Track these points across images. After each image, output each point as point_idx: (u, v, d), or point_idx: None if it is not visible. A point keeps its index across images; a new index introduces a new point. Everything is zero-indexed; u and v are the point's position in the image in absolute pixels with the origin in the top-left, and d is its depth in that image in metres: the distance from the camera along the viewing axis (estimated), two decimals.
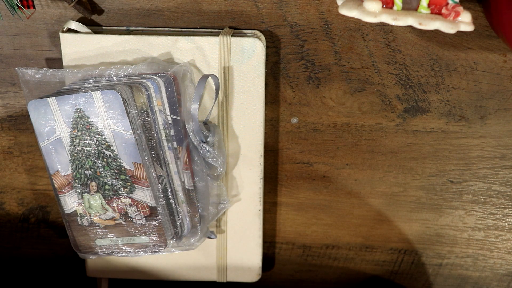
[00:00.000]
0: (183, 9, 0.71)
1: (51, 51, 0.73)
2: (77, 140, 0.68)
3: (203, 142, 0.71)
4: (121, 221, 0.71)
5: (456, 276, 0.85)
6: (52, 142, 0.69)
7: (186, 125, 0.70)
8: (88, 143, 0.68)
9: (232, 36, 0.70)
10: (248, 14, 0.71)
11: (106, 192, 0.70)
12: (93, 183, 0.70)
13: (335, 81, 0.74)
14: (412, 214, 0.81)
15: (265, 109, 0.75)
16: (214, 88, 0.71)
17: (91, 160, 0.69)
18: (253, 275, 0.81)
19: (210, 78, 0.70)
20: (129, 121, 0.66)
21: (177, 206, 0.71)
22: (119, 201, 0.70)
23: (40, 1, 0.71)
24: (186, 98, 0.70)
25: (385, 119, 0.76)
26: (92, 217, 0.71)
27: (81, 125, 0.67)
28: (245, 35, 0.71)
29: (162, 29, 0.72)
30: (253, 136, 0.74)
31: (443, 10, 0.61)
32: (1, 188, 0.81)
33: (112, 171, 0.69)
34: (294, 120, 0.76)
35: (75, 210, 0.71)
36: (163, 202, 0.70)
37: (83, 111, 0.67)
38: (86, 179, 0.69)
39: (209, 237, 0.76)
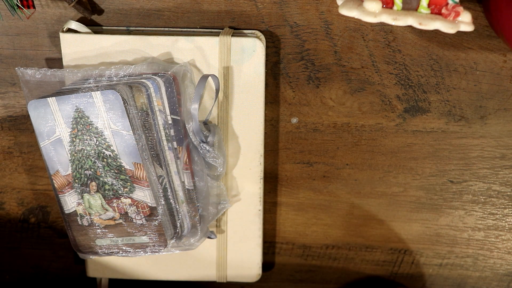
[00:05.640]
0: (183, 9, 0.71)
1: (51, 51, 0.73)
2: (77, 140, 0.68)
3: (203, 142, 0.71)
4: (121, 221, 0.71)
5: (456, 276, 0.85)
6: (52, 142, 0.69)
7: (186, 125, 0.70)
8: (88, 143, 0.68)
9: (232, 36, 0.70)
10: (248, 14, 0.71)
11: (106, 192, 0.70)
12: (93, 183, 0.70)
13: (335, 81, 0.74)
14: (412, 214, 0.81)
15: (265, 109, 0.75)
16: (214, 88, 0.71)
17: (91, 160, 0.69)
18: (253, 275, 0.81)
19: (210, 78, 0.70)
20: (129, 121, 0.66)
21: (177, 206, 0.71)
22: (119, 201, 0.70)
23: (40, 1, 0.71)
24: (186, 98, 0.70)
25: (385, 119, 0.76)
26: (92, 217, 0.71)
27: (81, 125, 0.67)
28: (245, 35, 0.71)
29: (162, 29, 0.72)
30: (253, 136, 0.74)
31: (443, 10, 0.61)
32: (1, 188, 0.81)
33: (112, 171, 0.69)
34: (294, 120, 0.76)
35: (75, 210, 0.71)
36: (163, 202, 0.70)
37: (83, 111, 0.67)
38: (86, 179, 0.69)
39: (209, 237, 0.76)
